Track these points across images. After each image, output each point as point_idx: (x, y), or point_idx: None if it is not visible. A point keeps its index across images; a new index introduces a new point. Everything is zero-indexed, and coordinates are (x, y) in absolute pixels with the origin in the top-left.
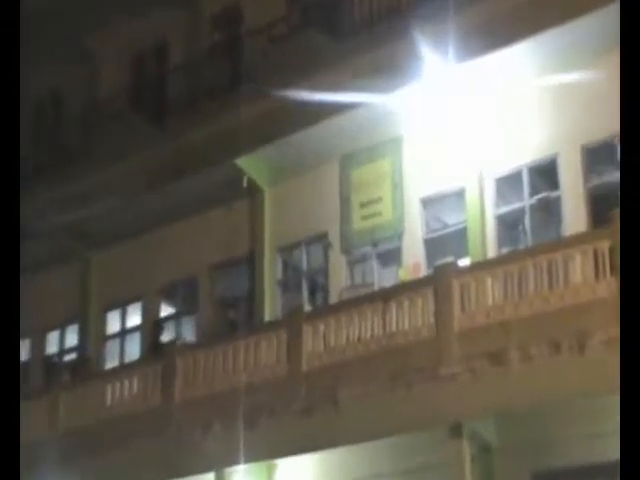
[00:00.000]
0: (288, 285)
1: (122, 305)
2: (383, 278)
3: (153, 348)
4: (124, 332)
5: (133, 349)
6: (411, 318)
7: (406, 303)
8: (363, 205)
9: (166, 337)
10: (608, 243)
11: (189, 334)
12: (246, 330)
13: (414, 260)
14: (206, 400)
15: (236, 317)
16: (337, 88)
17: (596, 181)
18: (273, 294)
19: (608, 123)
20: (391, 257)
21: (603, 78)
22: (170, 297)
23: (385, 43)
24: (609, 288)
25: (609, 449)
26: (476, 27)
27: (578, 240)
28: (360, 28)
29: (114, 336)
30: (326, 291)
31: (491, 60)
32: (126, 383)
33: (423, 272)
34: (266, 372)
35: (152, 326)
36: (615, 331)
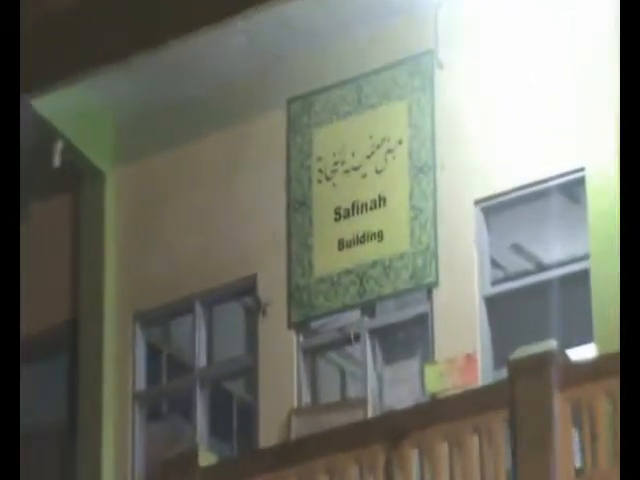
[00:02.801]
0: (160, 403)
1: None
2: (389, 388)
3: None
4: None
5: None
6: None
7: (442, 450)
8: (341, 214)
9: None
10: None
11: None
12: None
13: (462, 347)
14: None
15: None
16: None
17: None
18: (124, 423)
19: None
20: (407, 339)
21: None
22: None
23: None
24: None
25: None
26: None
27: None
28: None
29: None
30: (252, 416)
31: None
32: None
33: (484, 375)
34: None
35: None
36: None
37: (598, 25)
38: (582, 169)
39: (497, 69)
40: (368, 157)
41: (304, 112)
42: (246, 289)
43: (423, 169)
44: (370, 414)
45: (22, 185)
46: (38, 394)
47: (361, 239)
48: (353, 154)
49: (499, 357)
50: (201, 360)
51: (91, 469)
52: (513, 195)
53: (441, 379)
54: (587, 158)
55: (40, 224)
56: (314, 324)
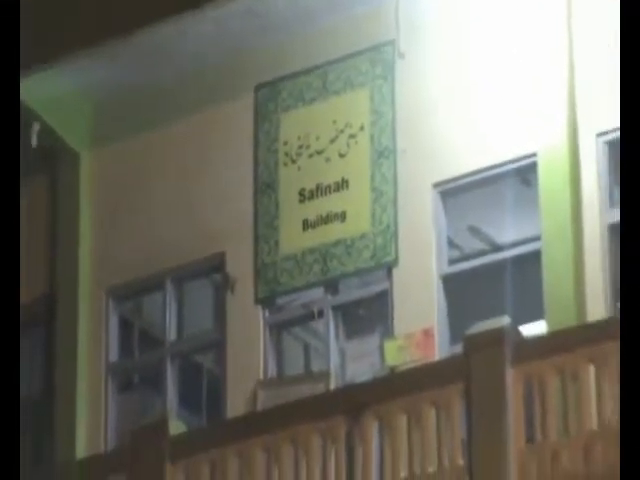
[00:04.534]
0: (131, 373)
1: None
2: (351, 362)
3: None
4: None
5: None
6: (414, 456)
7: (401, 420)
8: (306, 196)
9: None
10: None
11: None
12: (30, 478)
13: (419, 322)
14: None
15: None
16: None
17: None
18: (97, 393)
19: None
20: (368, 315)
21: None
22: None
23: None
24: None
25: None
26: None
27: None
28: None
29: None
30: (220, 388)
31: None
32: None
33: (440, 350)
34: None
35: None
36: None
37: (548, 17)
38: (534, 154)
39: (454, 59)
40: (332, 141)
41: (271, 98)
42: (215, 266)
43: (384, 153)
44: (332, 387)
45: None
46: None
47: (325, 220)
48: (317, 138)
49: (455, 333)
50: (171, 334)
51: (66, 437)
52: (469, 179)
53: (400, 353)
54: (539, 143)
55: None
56: (279, 300)
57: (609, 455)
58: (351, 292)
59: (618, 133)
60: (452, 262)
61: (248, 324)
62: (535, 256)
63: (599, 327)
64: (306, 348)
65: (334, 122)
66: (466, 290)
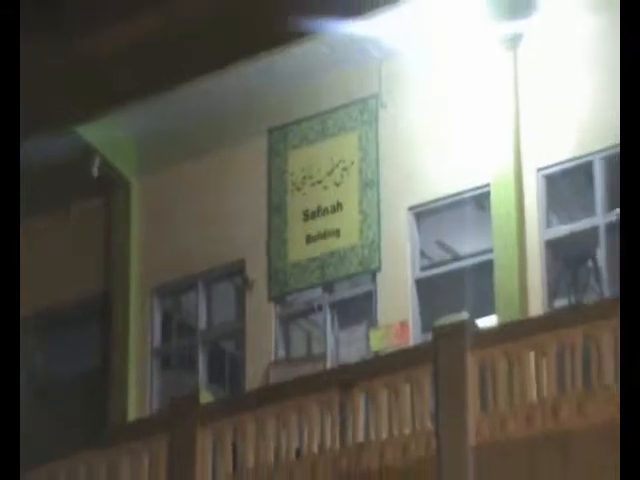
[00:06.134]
0: (171, 355)
1: None
2: (343, 347)
3: None
4: None
5: None
6: (392, 421)
7: (382, 394)
8: (308, 216)
9: None
10: None
11: None
12: (91, 439)
13: (397, 316)
14: None
15: (72, 413)
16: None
17: None
18: (144, 371)
19: None
20: (357, 310)
21: None
22: None
23: None
24: None
25: None
26: None
27: None
28: None
29: None
30: (240, 368)
31: None
32: None
33: (414, 339)
34: None
35: None
36: None
37: (498, 79)
38: (488, 185)
39: (426, 109)
40: (329, 174)
41: (281, 139)
42: (236, 271)
43: (369, 183)
44: (328, 367)
45: (70, 189)
46: (82, 348)
47: (323, 235)
48: (318, 171)
49: (426, 324)
50: (202, 324)
51: (120, 406)
52: (437, 203)
53: (382, 341)
54: (492, 176)
55: (83, 219)
56: (288, 298)
57: (546, 423)
58: (344, 292)
59: (554, 169)
60: (423, 269)
61: (263, 317)
62: (488, 264)
63: (538, 321)
64: (308, 336)
65: (331, 158)
66: (434, 291)
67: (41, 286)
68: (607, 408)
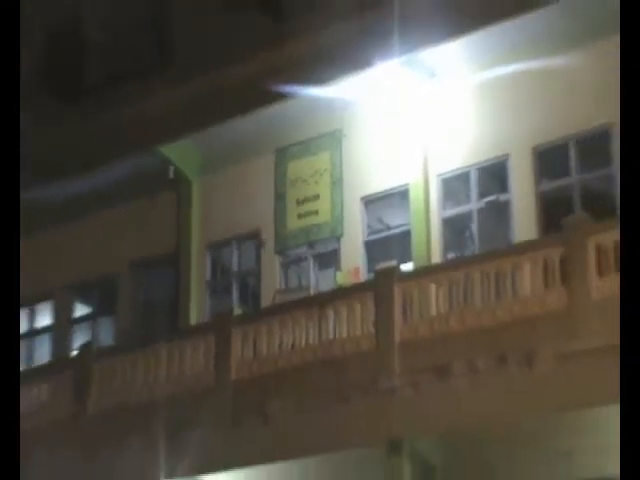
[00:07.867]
0: (217, 286)
1: (29, 304)
2: (320, 282)
3: (64, 352)
4: (32, 333)
5: (42, 352)
6: (349, 326)
7: (344, 310)
8: (299, 202)
9: (80, 340)
10: (559, 251)
11: (106, 338)
12: (169, 334)
13: (353, 264)
14: (124, 411)
15: (159, 320)
16: (274, 75)
17: (548, 185)
18: (200, 296)
19: (562, 124)
20: (329, 260)
21: (557, 77)
22: (85, 296)
23: (325, 29)
24: (559, 300)
25: (558, 473)
26: (421, 18)
27: (528, 248)
28: (302, 11)
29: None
30: (258, 294)
31: (437, 53)
32: (34, 390)
33: (363, 277)
34: (191, 381)
35: (64, 327)
36: (565, 345)
37: (413, 119)
38: (407, 184)
39: (372, 137)
40: (312, 176)
41: (283, 156)
42: (255, 235)
43: (336, 182)
44: (311, 293)
45: (155, 185)
46: (164, 282)
47: (308, 214)
48: (305, 174)
49: (370, 269)
50: (235, 267)
51: (185, 317)
52: (379, 195)
53: (344, 279)
54: (410, 178)
55: (163, 204)
56: (286, 252)
57: (441, 328)
58: (320, 249)
59: (448, 174)
60: (369, 235)
61: (271, 263)
62: (407, 233)
63: (437, 266)
64: (299, 275)
65: (312, 167)
66: (376, 249)
67: (138, 245)
68: (480, 318)
